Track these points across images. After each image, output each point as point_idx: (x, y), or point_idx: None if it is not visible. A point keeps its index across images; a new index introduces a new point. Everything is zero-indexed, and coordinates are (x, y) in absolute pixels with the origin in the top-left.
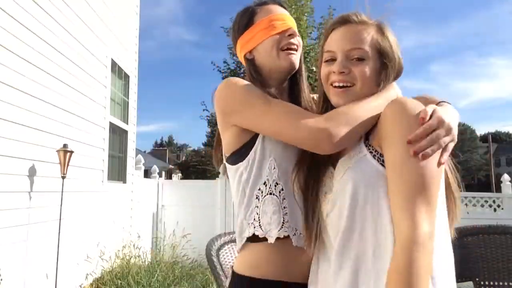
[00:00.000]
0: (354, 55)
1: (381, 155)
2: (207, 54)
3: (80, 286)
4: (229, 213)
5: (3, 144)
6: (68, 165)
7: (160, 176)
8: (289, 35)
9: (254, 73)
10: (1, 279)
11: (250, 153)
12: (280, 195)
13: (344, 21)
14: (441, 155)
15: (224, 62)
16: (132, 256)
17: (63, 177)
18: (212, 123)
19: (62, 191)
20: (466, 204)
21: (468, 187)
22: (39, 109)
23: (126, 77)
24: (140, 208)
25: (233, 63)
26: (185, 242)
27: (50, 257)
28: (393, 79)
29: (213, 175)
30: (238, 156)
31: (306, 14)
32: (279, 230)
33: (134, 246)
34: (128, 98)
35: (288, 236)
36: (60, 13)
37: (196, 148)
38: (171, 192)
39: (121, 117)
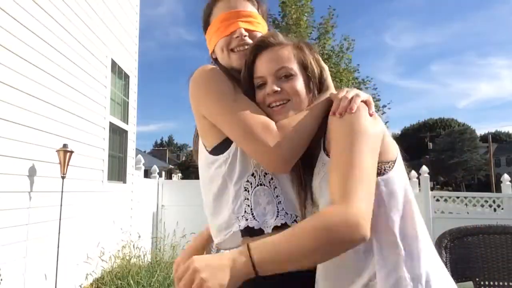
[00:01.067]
0: (282, 73)
1: None
2: (207, 54)
3: (80, 286)
4: None
5: (3, 144)
6: (68, 165)
7: (160, 176)
8: (237, 37)
9: (223, 70)
10: (1, 279)
11: (231, 146)
12: (270, 185)
13: (265, 45)
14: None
15: None
16: (132, 256)
17: (63, 177)
18: None
19: (62, 191)
20: (466, 204)
21: (468, 187)
22: (39, 109)
23: (126, 77)
24: (140, 208)
25: None
26: (185, 242)
27: (50, 257)
28: (318, 91)
29: None
30: (219, 149)
31: (306, 14)
32: (275, 219)
33: (134, 246)
34: (128, 98)
35: (286, 223)
36: (60, 13)
37: None
38: (171, 192)
39: (121, 117)
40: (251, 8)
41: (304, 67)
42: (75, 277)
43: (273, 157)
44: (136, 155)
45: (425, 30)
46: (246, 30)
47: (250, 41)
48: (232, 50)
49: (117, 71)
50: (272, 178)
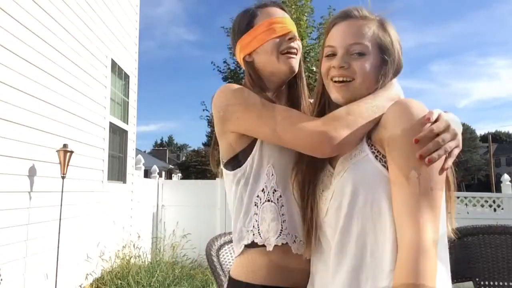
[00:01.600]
0: (355, 50)
1: (383, 156)
2: (207, 54)
3: (80, 286)
4: (229, 213)
5: (3, 144)
6: (68, 165)
7: (160, 176)
8: (289, 38)
9: (254, 75)
10: (1, 279)
11: (248, 159)
12: (278, 202)
13: (346, 16)
14: (445, 160)
15: (224, 62)
16: (132, 256)
17: (63, 177)
18: (212, 123)
19: (62, 191)
20: (466, 204)
21: (468, 187)
22: (39, 109)
23: (126, 77)
24: (140, 208)
25: (233, 63)
26: (185, 242)
27: (50, 257)
28: (392, 76)
29: (213, 175)
30: (236, 162)
31: (306, 14)
32: (277, 238)
33: (134, 246)
34: (128, 98)
35: (287, 243)
36: (60, 13)
37: (196, 148)
38: (171, 192)
39: (121, 117)
40: (292, 20)
41: (382, 48)
42: (75, 277)
43: (316, 137)
44: (136, 155)
45: (425, 30)
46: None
47: (298, 46)
48: (281, 52)
49: (117, 71)
50: (280, 196)
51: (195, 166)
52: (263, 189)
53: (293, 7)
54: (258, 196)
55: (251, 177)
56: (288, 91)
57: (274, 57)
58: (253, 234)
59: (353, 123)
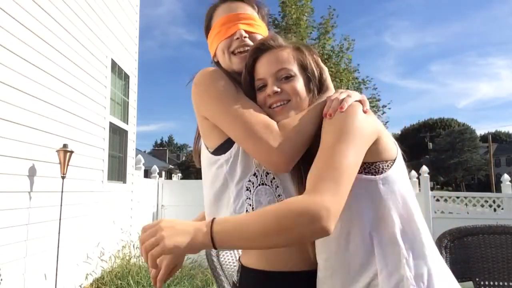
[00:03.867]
0: (282, 74)
1: None
2: (207, 54)
3: (80, 286)
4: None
5: (3, 144)
6: (68, 165)
7: (160, 176)
8: (237, 38)
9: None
10: (1, 279)
11: (233, 146)
12: (272, 184)
13: (265, 48)
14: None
15: None
16: (132, 256)
17: (63, 177)
18: None
19: (62, 191)
20: (466, 204)
21: (468, 187)
22: (39, 109)
23: (126, 77)
24: (140, 208)
25: None
26: None
27: (50, 257)
28: (318, 91)
29: None
30: (221, 149)
31: (306, 14)
32: None
33: (134, 246)
34: (128, 98)
35: None
36: (60, 13)
37: None
38: (171, 192)
39: (121, 117)
40: (251, 11)
41: (303, 68)
42: (75, 277)
43: (274, 157)
44: (136, 155)
45: (425, 30)
46: (246, 31)
47: (250, 42)
48: (233, 52)
49: (117, 71)
50: (274, 178)
51: (195, 166)
52: (255, 173)
53: (293, 7)
54: (249, 181)
55: (239, 163)
56: None
57: (227, 58)
58: None
59: (299, 136)
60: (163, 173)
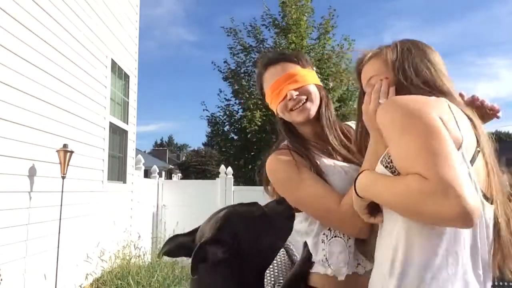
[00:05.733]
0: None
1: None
2: (207, 54)
3: (80, 286)
4: None
5: (3, 144)
6: (68, 165)
7: (160, 176)
8: (289, 99)
9: (288, 127)
10: (1, 279)
11: None
12: (344, 236)
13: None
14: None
15: (224, 62)
16: (132, 256)
17: (63, 177)
18: (212, 123)
19: (62, 191)
20: None
21: None
22: (39, 109)
23: (126, 77)
24: (140, 208)
25: (233, 63)
26: None
27: (50, 257)
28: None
29: (213, 175)
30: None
31: (306, 14)
32: (347, 268)
33: (134, 246)
34: (128, 98)
35: (356, 272)
36: (60, 13)
37: (196, 148)
38: (171, 192)
39: (121, 117)
40: (292, 68)
41: None
42: (75, 277)
43: (344, 229)
44: (136, 155)
45: (425, 30)
46: (295, 89)
47: (303, 97)
48: (291, 110)
49: (117, 71)
50: None
51: (195, 166)
52: (329, 228)
53: (293, 7)
54: (324, 234)
55: (316, 221)
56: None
57: (288, 116)
58: (324, 267)
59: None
60: (163, 173)
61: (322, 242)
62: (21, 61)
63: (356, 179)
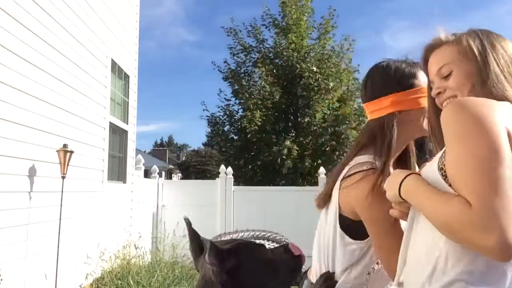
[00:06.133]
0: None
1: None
2: (207, 54)
3: (80, 286)
4: (229, 212)
5: (3, 144)
6: (68, 165)
7: (160, 176)
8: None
9: (391, 132)
10: (1, 279)
11: (369, 238)
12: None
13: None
14: None
15: (224, 62)
16: (132, 256)
17: (63, 177)
18: (212, 123)
19: (62, 191)
20: None
21: None
22: (39, 109)
23: (126, 77)
24: (140, 208)
25: (233, 63)
26: (185, 242)
27: (50, 257)
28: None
29: (213, 175)
30: (356, 231)
31: (306, 14)
32: None
33: (134, 246)
34: (128, 98)
35: None
36: (60, 13)
37: (196, 148)
38: (171, 192)
39: (121, 117)
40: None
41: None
42: (75, 277)
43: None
44: (136, 155)
45: (425, 30)
46: None
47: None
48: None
49: (117, 71)
50: None
51: (195, 166)
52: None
53: (293, 7)
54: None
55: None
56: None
57: (421, 123)
58: None
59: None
60: (163, 173)
61: (368, 273)
62: (21, 61)
63: (404, 178)
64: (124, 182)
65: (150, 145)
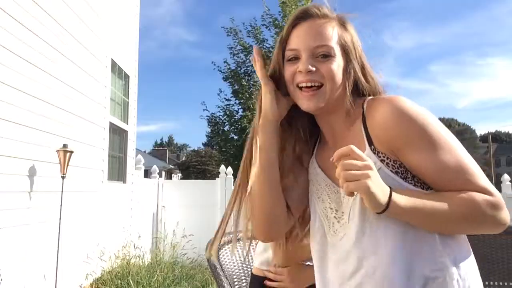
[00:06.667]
0: (320, 52)
1: (393, 161)
2: (207, 54)
3: (80, 286)
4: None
5: (3, 144)
6: (68, 165)
7: (160, 176)
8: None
9: None
10: (1, 279)
11: None
12: None
13: (306, 15)
14: None
15: (224, 62)
16: (132, 256)
17: (63, 177)
18: (212, 123)
19: (62, 191)
20: None
21: None
22: (39, 109)
23: (126, 77)
24: (140, 208)
25: (234, 63)
26: (185, 242)
27: (50, 257)
28: (360, 90)
29: (213, 175)
30: None
31: None
32: None
33: (134, 246)
34: (128, 98)
35: None
36: (60, 13)
37: (196, 148)
38: (171, 192)
39: (121, 117)
40: None
41: (345, 49)
42: (75, 277)
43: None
44: (136, 155)
45: (425, 30)
46: None
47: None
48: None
49: (117, 71)
50: None
51: (195, 166)
52: None
53: (293, 7)
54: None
55: None
56: None
57: None
58: None
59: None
60: (163, 173)
61: None
62: (21, 61)
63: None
64: (124, 182)
65: (150, 145)
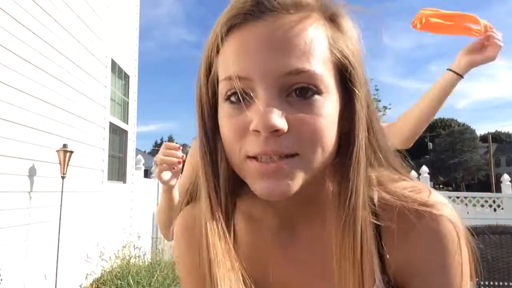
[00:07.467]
0: (294, 84)
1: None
2: None
3: (80, 286)
4: None
5: (3, 144)
6: (68, 165)
7: None
8: None
9: None
10: (1, 279)
11: None
12: None
13: (262, 7)
14: None
15: None
16: (132, 256)
17: (63, 177)
18: None
19: (62, 191)
20: (466, 204)
21: (468, 187)
22: (39, 109)
23: (126, 77)
24: (140, 208)
25: None
26: None
27: (50, 257)
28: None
29: None
30: None
31: None
32: None
33: (134, 246)
34: (128, 98)
35: None
36: (60, 13)
37: None
38: None
39: (121, 117)
40: None
41: (342, 74)
42: (75, 277)
43: None
44: (136, 155)
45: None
46: None
47: None
48: None
49: (117, 71)
50: None
51: None
52: None
53: None
54: None
55: None
56: None
57: None
58: None
59: None
60: None
61: None
62: (21, 61)
63: None
64: (124, 182)
65: (150, 145)
